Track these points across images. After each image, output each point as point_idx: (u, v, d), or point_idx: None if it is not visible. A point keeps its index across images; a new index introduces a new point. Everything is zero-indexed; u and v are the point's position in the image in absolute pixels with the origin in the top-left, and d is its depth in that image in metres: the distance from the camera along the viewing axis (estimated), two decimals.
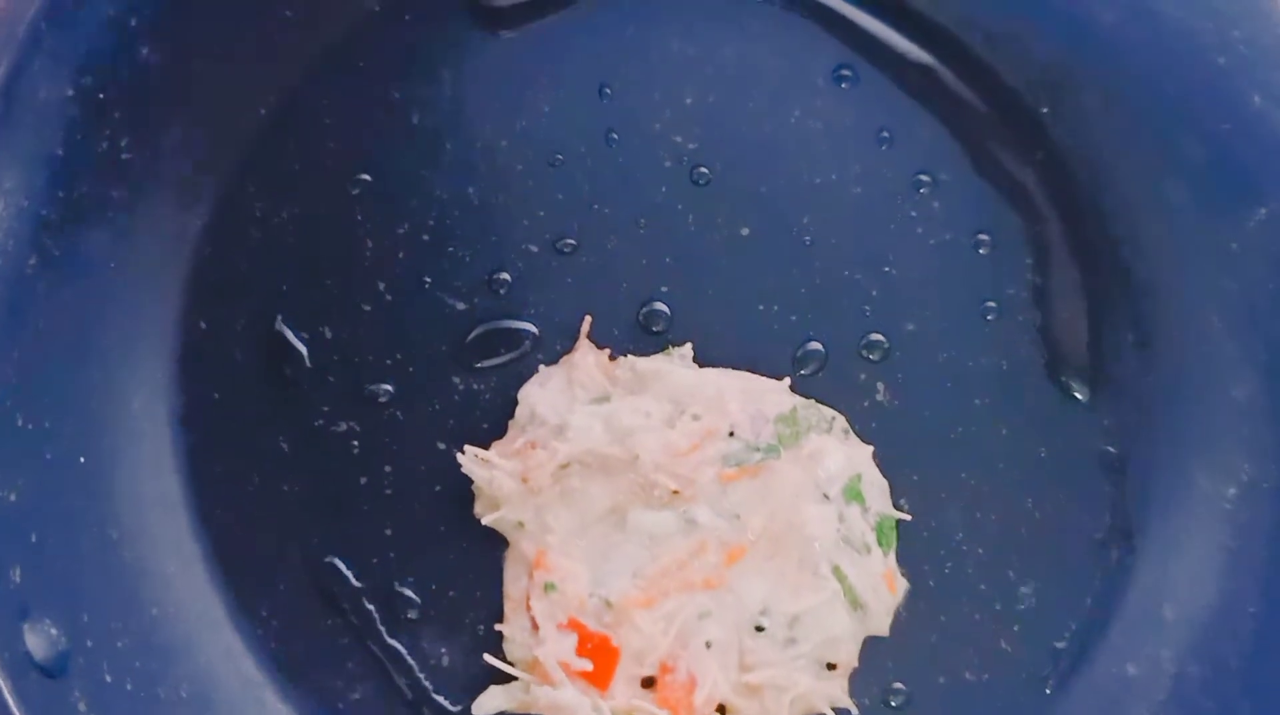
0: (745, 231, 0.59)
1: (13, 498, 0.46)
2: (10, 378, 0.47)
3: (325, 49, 0.58)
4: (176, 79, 0.54)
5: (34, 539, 0.47)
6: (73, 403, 0.51)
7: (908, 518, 0.56)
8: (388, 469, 0.56)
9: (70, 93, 0.49)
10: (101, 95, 0.50)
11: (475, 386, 0.57)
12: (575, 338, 0.57)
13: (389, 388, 0.56)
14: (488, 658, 0.53)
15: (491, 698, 0.54)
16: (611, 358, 0.57)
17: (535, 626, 0.53)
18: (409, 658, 0.54)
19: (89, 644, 0.47)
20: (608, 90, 0.60)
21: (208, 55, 0.55)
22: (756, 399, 0.56)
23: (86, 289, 0.52)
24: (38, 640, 0.44)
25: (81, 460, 0.50)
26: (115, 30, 0.50)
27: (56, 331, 0.50)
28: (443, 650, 0.54)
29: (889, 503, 0.56)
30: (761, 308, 0.59)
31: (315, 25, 0.58)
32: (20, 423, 0.48)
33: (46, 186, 0.49)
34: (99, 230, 0.52)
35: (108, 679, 0.47)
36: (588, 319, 0.57)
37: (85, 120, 0.50)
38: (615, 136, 0.59)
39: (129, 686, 0.48)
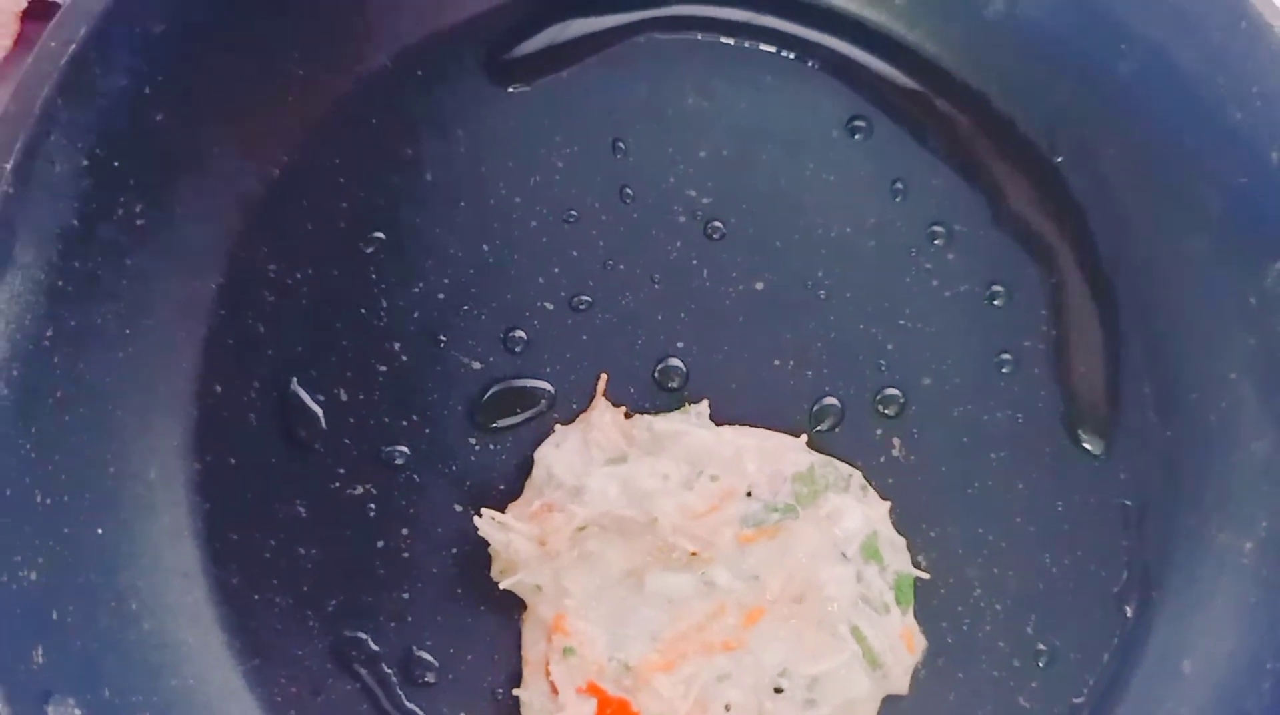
0: (760, 286, 0.59)
1: (33, 576, 0.46)
2: (29, 454, 0.47)
3: (336, 107, 0.59)
4: (189, 143, 0.54)
5: (55, 616, 0.47)
6: (90, 476, 0.51)
7: (926, 575, 0.56)
8: (405, 532, 0.56)
9: (85, 163, 0.49)
10: (116, 164, 0.50)
11: (491, 447, 0.57)
12: (591, 396, 0.57)
13: (405, 450, 0.56)
14: None
15: None
16: (628, 415, 0.57)
17: (554, 691, 0.53)
18: None
19: None
20: (621, 145, 0.60)
21: (220, 118, 0.55)
22: (774, 458, 0.56)
23: (102, 360, 0.52)
24: None
25: (99, 532, 0.50)
26: (128, 99, 0.50)
27: (73, 404, 0.50)
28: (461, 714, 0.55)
29: (907, 560, 0.56)
30: (777, 363, 0.59)
31: (326, 83, 0.58)
32: (39, 499, 0.48)
33: (61, 258, 0.49)
34: (114, 300, 0.52)
35: None
36: (603, 377, 0.58)
37: (99, 190, 0.50)
38: (629, 192, 0.59)
39: None
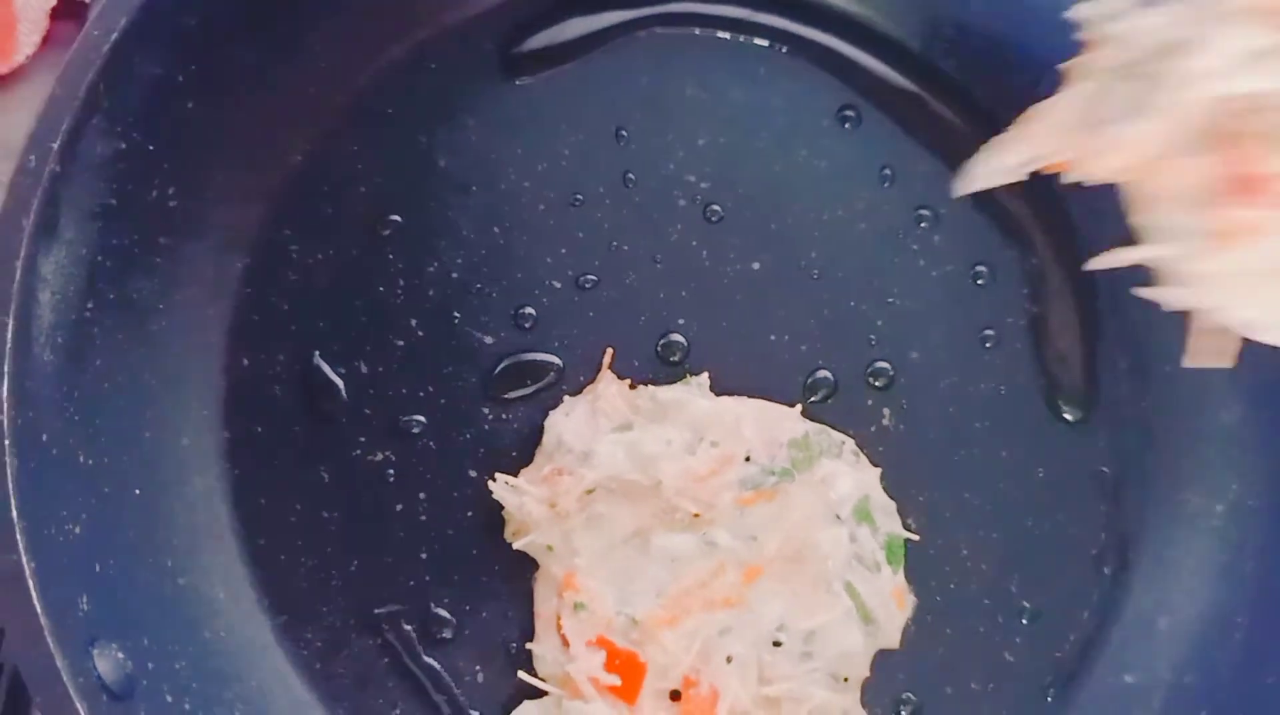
0: (756, 266, 0.61)
1: (78, 530, 0.48)
2: (73, 416, 0.49)
3: (356, 98, 0.61)
4: (218, 130, 0.56)
5: (98, 569, 0.48)
6: (128, 439, 0.53)
7: (915, 537, 0.58)
8: (422, 496, 0.58)
9: (123, 146, 0.51)
10: (151, 148, 0.53)
11: (504, 416, 0.59)
12: (598, 369, 0.59)
13: (422, 419, 0.58)
14: (521, 674, 0.55)
15: (525, 712, 0.55)
16: (632, 387, 0.59)
17: (566, 644, 0.55)
18: (445, 676, 0.56)
19: (150, 667, 0.48)
20: (624, 134, 0.62)
21: (246, 107, 0.57)
22: (771, 425, 0.58)
23: (138, 332, 0.54)
24: (106, 664, 0.46)
25: (137, 492, 0.52)
26: (163, 87, 0.53)
27: (112, 372, 0.52)
28: (477, 668, 0.56)
29: (897, 523, 0.58)
30: (773, 338, 0.61)
31: (346, 76, 0.61)
32: (82, 459, 0.50)
33: (101, 235, 0.51)
34: (148, 276, 0.54)
35: (169, 700, 0.49)
36: (609, 351, 0.60)
37: (136, 172, 0.52)
38: (632, 177, 0.62)
39: (188, 706, 0.49)
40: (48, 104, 0.48)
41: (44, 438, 0.48)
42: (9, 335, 0.46)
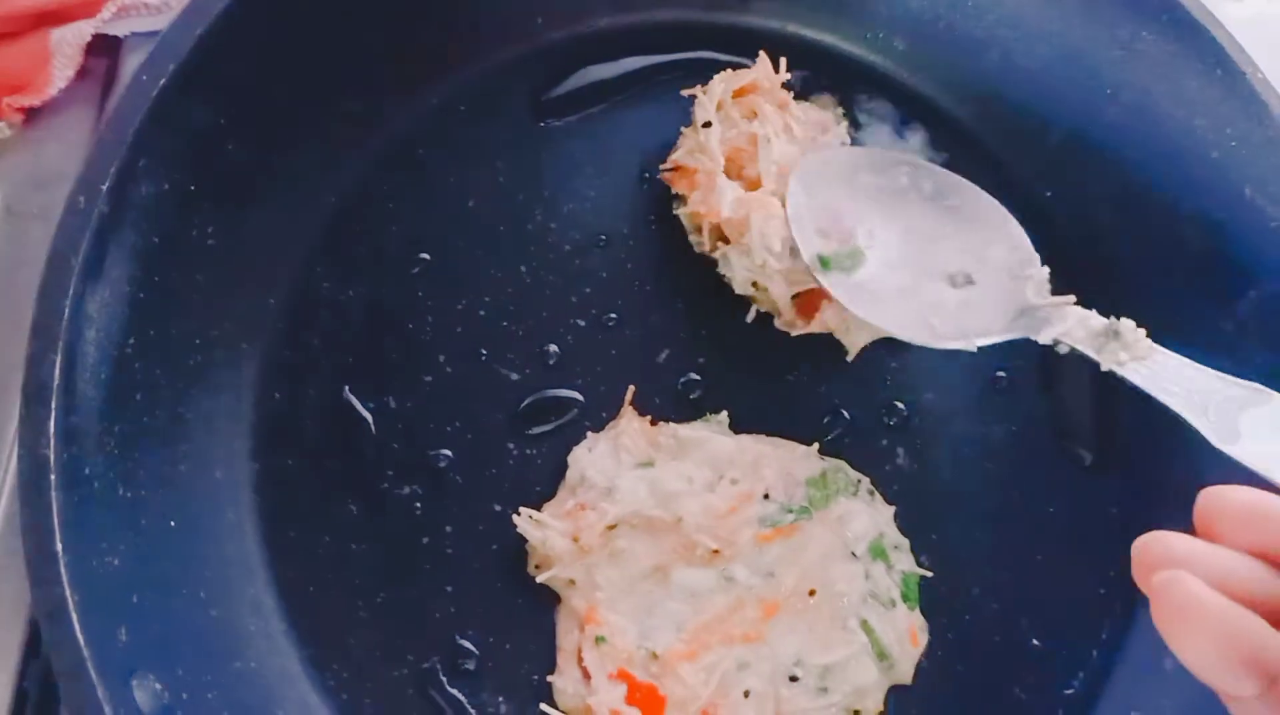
0: None
1: (116, 562, 0.49)
2: (113, 451, 0.51)
3: (389, 141, 0.63)
4: (256, 171, 0.58)
5: (135, 600, 0.50)
6: (164, 473, 0.54)
7: (929, 574, 0.59)
8: (448, 529, 0.58)
9: (166, 187, 0.53)
10: (192, 188, 0.54)
11: (528, 451, 0.60)
12: (620, 405, 0.60)
13: (449, 453, 0.60)
14: (543, 707, 0.56)
15: None
16: (653, 423, 0.60)
17: (587, 677, 0.56)
18: (469, 707, 0.56)
19: (185, 697, 0.49)
20: (648, 176, 0.64)
21: (284, 149, 0.59)
22: (789, 464, 0.59)
23: (176, 367, 0.55)
24: (144, 695, 0.47)
25: (172, 525, 0.53)
26: (206, 130, 0.54)
27: (151, 407, 0.53)
28: (500, 699, 0.57)
29: (911, 561, 0.59)
30: (790, 377, 0.62)
31: (380, 119, 0.63)
32: (121, 492, 0.51)
33: (144, 274, 0.52)
34: (187, 312, 0.56)
35: None
36: (631, 388, 0.61)
37: (178, 212, 0.54)
38: (654, 219, 0.63)
39: None
40: (96, 146, 0.50)
41: (86, 472, 0.49)
42: (56, 372, 0.47)
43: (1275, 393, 0.46)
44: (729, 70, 0.62)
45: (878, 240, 0.59)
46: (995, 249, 0.58)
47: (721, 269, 0.61)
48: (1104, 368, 0.52)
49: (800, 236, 0.58)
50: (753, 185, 0.60)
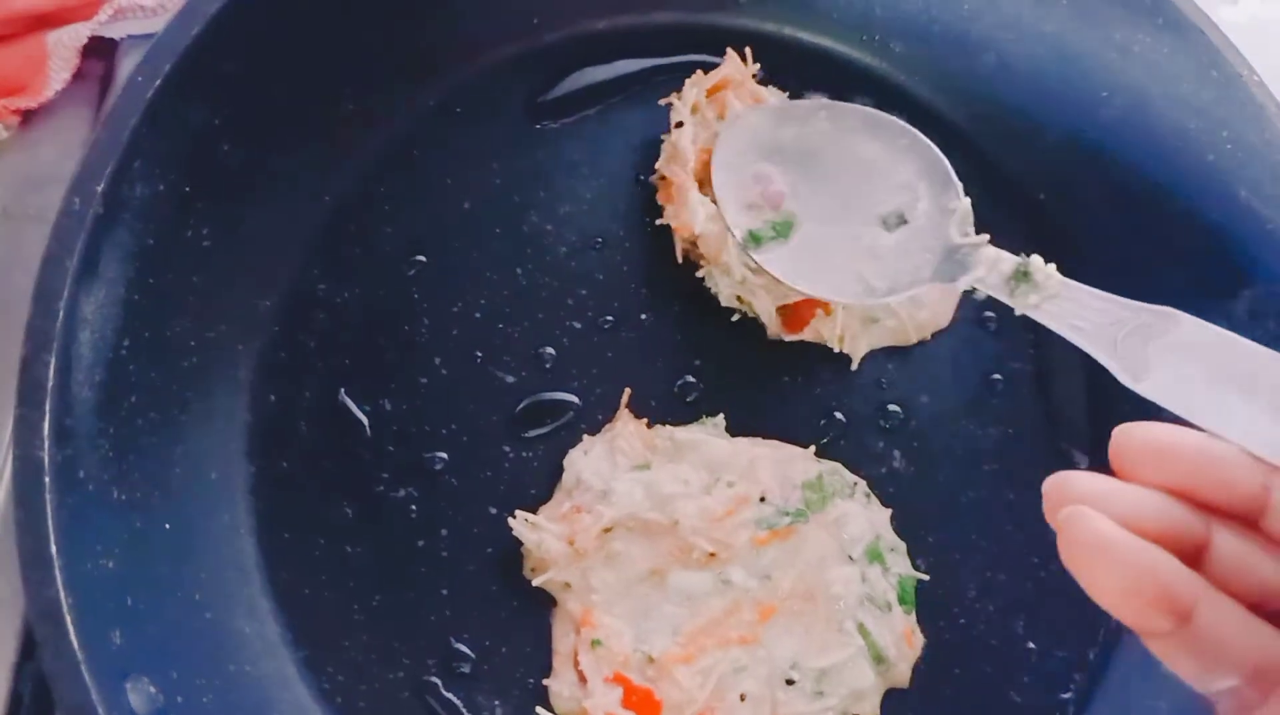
0: None
1: (111, 565, 0.49)
2: (108, 452, 0.51)
3: (385, 142, 0.63)
4: (252, 172, 0.58)
5: (129, 602, 0.49)
6: (159, 475, 0.54)
7: (925, 577, 0.59)
8: (443, 532, 0.58)
9: (161, 188, 0.53)
10: (187, 189, 0.54)
11: (524, 454, 0.60)
12: (616, 408, 0.60)
13: (444, 456, 0.59)
14: (539, 710, 0.56)
15: None
16: (649, 426, 0.60)
17: (583, 680, 0.55)
18: (464, 710, 0.56)
19: (179, 700, 0.49)
20: (644, 179, 0.64)
21: (280, 149, 0.59)
22: (785, 467, 0.59)
23: (171, 369, 0.55)
24: (139, 698, 0.47)
25: (166, 527, 0.53)
26: (201, 131, 0.54)
27: (145, 409, 0.53)
28: (496, 703, 0.56)
29: (907, 563, 0.59)
30: (786, 380, 0.62)
31: (376, 121, 0.63)
32: (115, 495, 0.51)
33: (139, 275, 0.52)
34: (182, 314, 0.55)
35: None
36: (628, 391, 0.61)
37: (173, 213, 0.54)
38: (649, 221, 0.63)
39: None
40: (91, 148, 0.50)
41: (80, 474, 0.49)
42: (51, 373, 0.47)
43: (1184, 315, 0.44)
44: (699, 72, 0.62)
45: (809, 196, 0.58)
46: (923, 182, 0.57)
47: (707, 282, 0.61)
48: (1017, 312, 0.51)
49: (729, 217, 0.58)
50: None
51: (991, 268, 0.52)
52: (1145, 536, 0.35)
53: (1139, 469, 0.38)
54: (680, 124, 0.61)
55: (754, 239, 0.58)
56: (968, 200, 0.56)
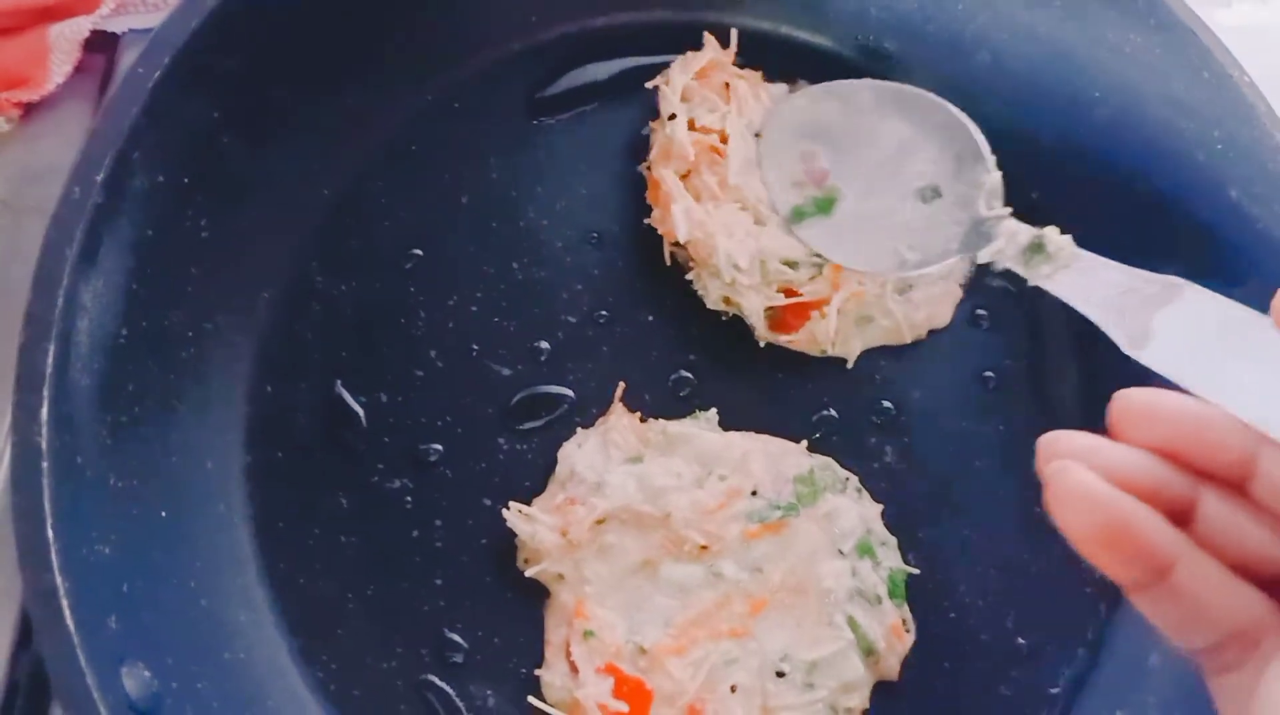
0: None
1: (107, 551, 0.49)
2: (105, 440, 0.51)
3: (384, 136, 0.63)
4: (251, 165, 0.58)
5: (125, 589, 0.50)
6: (156, 463, 0.54)
7: (915, 572, 0.59)
8: (438, 523, 0.59)
9: (160, 179, 0.53)
10: (186, 181, 0.55)
11: (518, 447, 0.60)
12: (610, 402, 0.61)
13: (439, 448, 0.60)
14: (531, 700, 0.56)
15: None
16: (643, 420, 0.60)
17: (574, 671, 0.56)
18: (457, 699, 0.57)
19: (174, 686, 0.49)
20: (640, 175, 0.64)
21: (279, 143, 0.59)
22: (777, 460, 0.59)
23: (168, 359, 0.55)
24: (134, 683, 0.47)
25: (163, 515, 0.54)
26: (201, 123, 0.55)
27: (143, 397, 0.54)
28: (488, 692, 0.57)
29: (898, 558, 0.59)
30: (780, 376, 0.63)
31: (375, 115, 0.63)
32: (112, 482, 0.51)
33: (138, 265, 0.53)
34: (180, 304, 0.56)
35: None
36: (621, 385, 0.61)
37: (171, 204, 0.54)
38: (645, 217, 0.64)
39: None
40: (91, 138, 0.50)
41: (78, 461, 0.49)
42: (50, 360, 0.48)
43: (1188, 283, 0.44)
44: (683, 58, 0.63)
45: (850, 172, 0.60)
46: (956, 157, 0.58)
47: (695, 285, 0.62)
48: (1030, 283, 0.51)
49: (775, 196, 0.60)
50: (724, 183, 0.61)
51: (1010, 239, 0.53)
52: (1132, 492, 0.37)
53: (1131, 430, 0.39)
54: (673, 116, 0.61)
55: (798, 215, 0.59)
56: (998, 174, 0.57)
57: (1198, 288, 0.44)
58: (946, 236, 0.57)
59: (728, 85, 0.63)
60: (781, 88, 0.66)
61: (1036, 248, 0.52)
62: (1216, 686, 0.38)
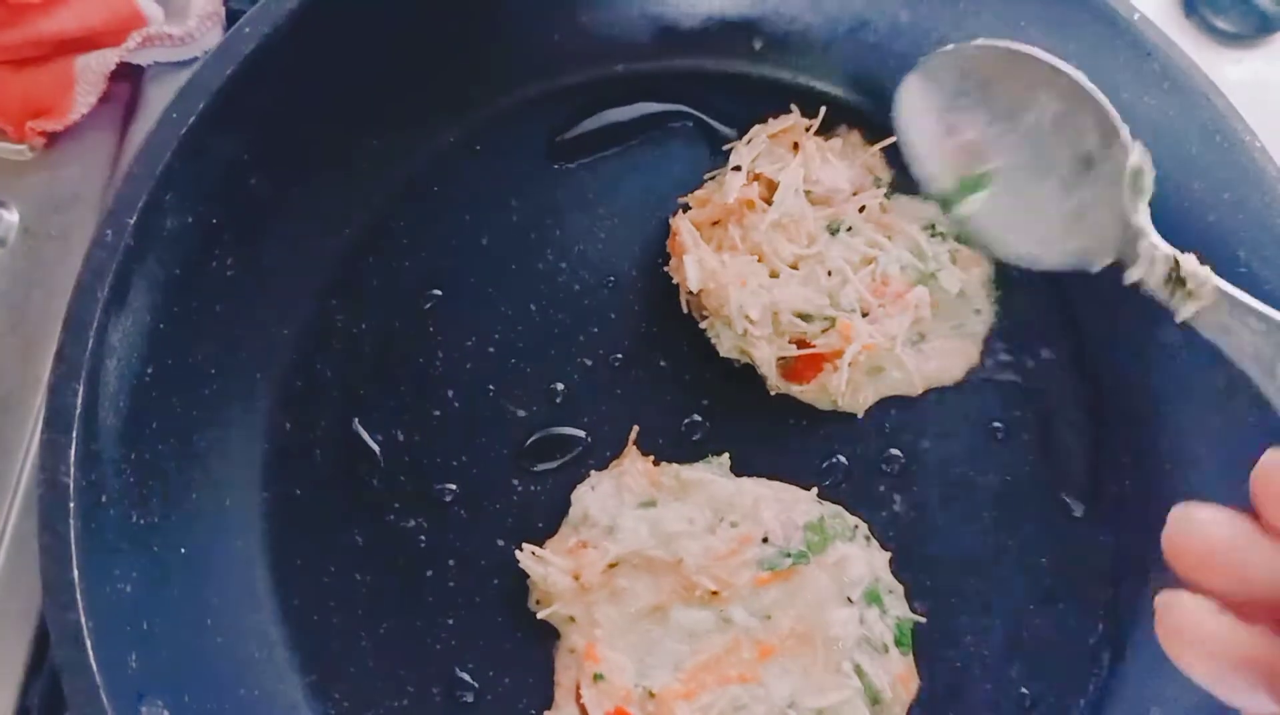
0: None
1: (128, 589, 0.50)
2: (128, 477, 0.52)
3: (406, 178, 0.64)
4: (277, 205, 0.59)
5: (145, 626, 0.50)
6: (177, 500, 0.55)
7: (922, 620, 0.60)
8: (451, 563, 0.59)
9: (190, 220, 0.54)
10: (214, 221, 0.55)
11: (532, 488, 0.61)
12: (624, 445, 0.61)
13: (454, 488, 0.61)
14: None
15: None
16: (656, 463, 0.61)
17: (584, 713, 0.56)
18: None
19: None
20: (657, 220, 0.65)
21: (305, 183, 0.60)
22: (788, 508, 0.60)
23: (191, 396, 0.56)
24: None
25: (182, 551, 0.54)
26: (231, 165, 0.55)
27: (165, 435, 0.54)
28: None
29: (905, 606, 0.60)
30: (791, 422, 0.63)
31: (399, 157, 0.64)
32: (134, 519, 0.52)
33: (164, 304, 0.53)
34: (204, 342, 0.56)
35: None
36: (635, 428, 0.62)
37: (199, 244, 0.55)
38: (662, 262, 0.64)
39: None
40: (125, 181, 0.51)
41: (103, 499, 0.50)
42: (79, 401, 0.48)
43: None
44: (771, 120, 0.64)
45: (997, 147, 0.55)
46: (1099, 135, 0.52)
47: (709, 333, 0.63)
48: (1178, 320, 0.48)
49: (921, 172, 0.56)
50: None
51: (1150, 266, 0.49)
52: (1259, 600, 0.33)
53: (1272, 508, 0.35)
54: (738, 168, 0.62)
55: (944, 205, 0.56)
56: (1139, 149, 0.51)
57: None
58: (1102, 234, 0.51)
59: (796, 145, 0.64)
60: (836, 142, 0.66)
61: (1178, 281, 0.48)
62: None
